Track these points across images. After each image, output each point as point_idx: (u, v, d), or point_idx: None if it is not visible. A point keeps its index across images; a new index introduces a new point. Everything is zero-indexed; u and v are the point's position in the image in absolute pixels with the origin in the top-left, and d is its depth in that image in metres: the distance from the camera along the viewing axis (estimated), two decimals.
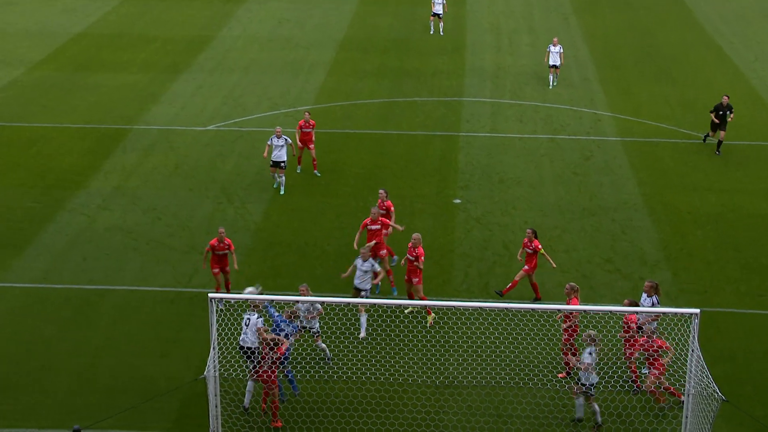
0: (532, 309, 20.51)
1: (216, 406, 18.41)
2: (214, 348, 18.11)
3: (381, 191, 25.99)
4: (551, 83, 40.94)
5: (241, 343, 19.77)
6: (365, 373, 20.05)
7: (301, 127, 31.04)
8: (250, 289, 20.61)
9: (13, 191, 30.35)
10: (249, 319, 19.63)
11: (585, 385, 19.05)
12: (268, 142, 29.69)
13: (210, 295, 18.18)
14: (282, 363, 19.39)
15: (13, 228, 27.86)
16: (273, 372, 18.92)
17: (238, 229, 27.80)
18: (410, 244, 22.94)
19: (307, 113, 31.55)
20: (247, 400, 19.46)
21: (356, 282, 22.54)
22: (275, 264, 25.91)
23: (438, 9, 48.15)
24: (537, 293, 23.90)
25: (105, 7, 52.65)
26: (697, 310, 17.78)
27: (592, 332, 19.17)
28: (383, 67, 43.28)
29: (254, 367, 19.27)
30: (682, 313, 18.31)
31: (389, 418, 19.32)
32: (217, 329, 18.32)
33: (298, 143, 31.14)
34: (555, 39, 41.32)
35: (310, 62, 43.95)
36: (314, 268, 25.73)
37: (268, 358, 18.90)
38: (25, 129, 35.67)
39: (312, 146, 31.24)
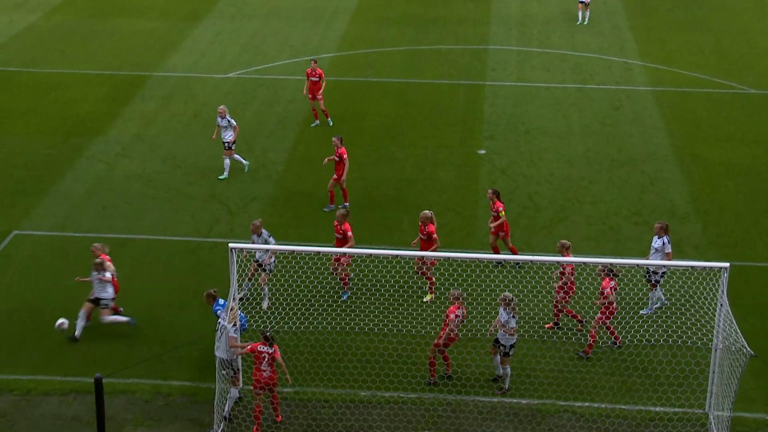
0: (557, 262, 20.42)
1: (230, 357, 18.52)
2: (234, 299, 18.20)
3: (334, 138, 25.57)
4: (580, 19, 40.58)
5: (220, 354, 18.12)
6: (387, 325, 20.12)
7: (308, 76, 30.69)
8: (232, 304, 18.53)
9: (31, 138, 30.47)
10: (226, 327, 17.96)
11: (505, 345, 18.79)
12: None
13: (230, 245, 18.24)
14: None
15: (32, 175, 28.00)
16: (273, 372, 17.95)
17: (260, 179, 27.81)
18: (420, 223, 22.07)
19: (313, 61, 30.96)
20: (228, 408, 18.34)
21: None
22: (297, 214, 25.93)
23: None
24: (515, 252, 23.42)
25: None
26: (727, 264, 17.68)
27: (508, 295, 18.70)
28: (407, 15, 42.87)
29: (234, 374, 18.43)
30: (711, 267, 18.21)
31: (410, 370, 19.41)
32: (237, 280, 18.39)
33: (308, 94, 30.78)
34: None
35: (332, 9, 43.60)
36: (334, 219, 25.70)
37: (266, 360, 17.80)
38: (43, 75, 35.72)
39: (320, 97, 30.57)
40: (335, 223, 22.18)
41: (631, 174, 28.39)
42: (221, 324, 18.10)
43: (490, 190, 23.30)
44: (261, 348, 17.79)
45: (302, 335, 20.34)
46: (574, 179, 28.04)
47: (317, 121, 31.18)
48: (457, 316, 18.82)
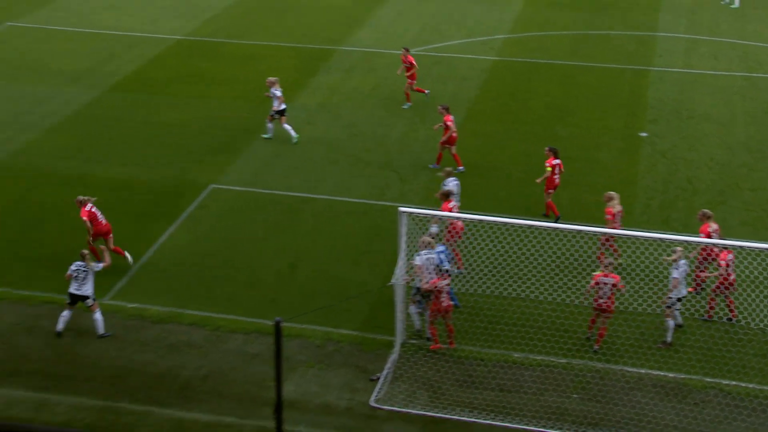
0: (713, 243, 19.54)
1: (402, 312, 18.82)
2: (402, 258, 18.43)
3: (439, 107, 26.29)
4: (728, 0, 38.64)
5: (420, 285, 19.01)
6: (542, 293, 19.90)
7: (411, 63, 30.60)
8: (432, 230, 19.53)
9: (231, 102, 31.67)
10: (429, 259, 18.87)
11: (670, 297, 18.70)
12: None
13: (401, 209, 18.44)
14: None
15: (230, 136, 29.14)
16: (449, 300, 18.97)
17: (431, 150, 27.91)
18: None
19: (404, 49, 30.83)
20: (419, 322, 19.39)
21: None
22: (462, 183, 25.81)
23: None
24: (547, 211, 23.49)
25: None
26: None
27: (679, 248, 18.72)
28: (579, 0, 41.77)
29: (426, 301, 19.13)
30: None
31: (562, 337, 19.15)
32: (406, 241, 18.60)
33: (409, 79, 30.62)
34: None
35: None
36: (498, 191, 25.58)
37: (444, 292, 18.81)
38: (244, 46, 36.99)
39: (410, 81, 30.59)
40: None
41: None
42: (435, 261, 18.84)
43: (546, 148, 23.70)
44: (440, 284, 18.61)
45: (462, 297, 20.39)
46: (735, 165, 26.73)
47: (409, 103, 30.85)
48: (597, 283, 18.48)
